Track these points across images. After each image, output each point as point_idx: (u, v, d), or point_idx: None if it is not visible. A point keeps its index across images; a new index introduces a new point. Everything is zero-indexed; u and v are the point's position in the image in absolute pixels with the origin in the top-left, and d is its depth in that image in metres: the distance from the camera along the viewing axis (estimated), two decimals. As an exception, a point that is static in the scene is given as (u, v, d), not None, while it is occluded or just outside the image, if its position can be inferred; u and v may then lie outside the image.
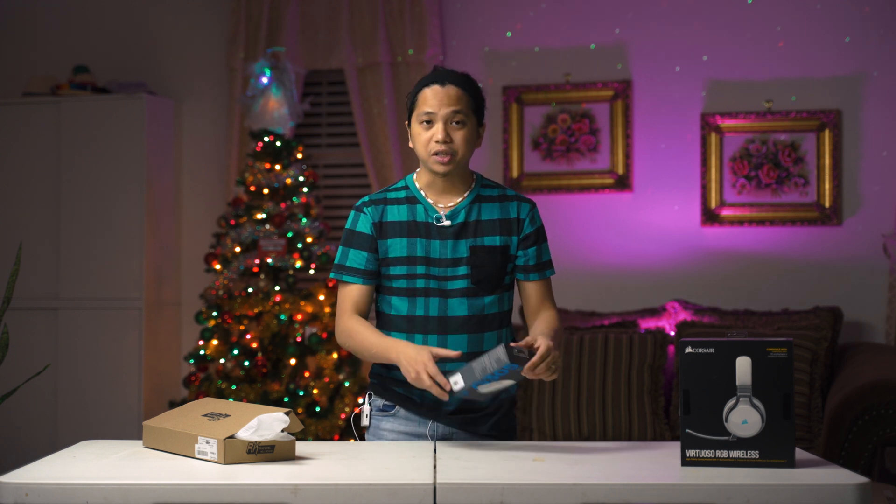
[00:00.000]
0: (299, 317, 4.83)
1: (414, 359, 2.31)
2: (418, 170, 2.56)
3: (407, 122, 2.53)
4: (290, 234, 4.90)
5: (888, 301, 4.73)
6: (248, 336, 4.84)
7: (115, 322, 5.26)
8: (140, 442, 2.37)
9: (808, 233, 4.93)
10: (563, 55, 5.16)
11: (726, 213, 4.98)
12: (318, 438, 4.68)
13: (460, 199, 2.51)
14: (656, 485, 1.97)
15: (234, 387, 4.79)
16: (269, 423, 2.17)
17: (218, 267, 4.95)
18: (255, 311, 4.86)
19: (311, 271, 4.94)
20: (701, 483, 1.98)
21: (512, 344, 2.30)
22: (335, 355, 4.86)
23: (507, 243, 2.50)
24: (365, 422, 2.57)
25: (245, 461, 2.13)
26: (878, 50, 4.89)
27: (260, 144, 4.99)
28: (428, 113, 2.45)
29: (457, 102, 2.45)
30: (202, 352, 4.89)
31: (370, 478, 2.00)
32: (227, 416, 2.23)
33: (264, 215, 4.94)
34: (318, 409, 4.76)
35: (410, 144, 2.52)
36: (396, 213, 2.50)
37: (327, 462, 2.18)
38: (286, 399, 4.74)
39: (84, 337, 5.28)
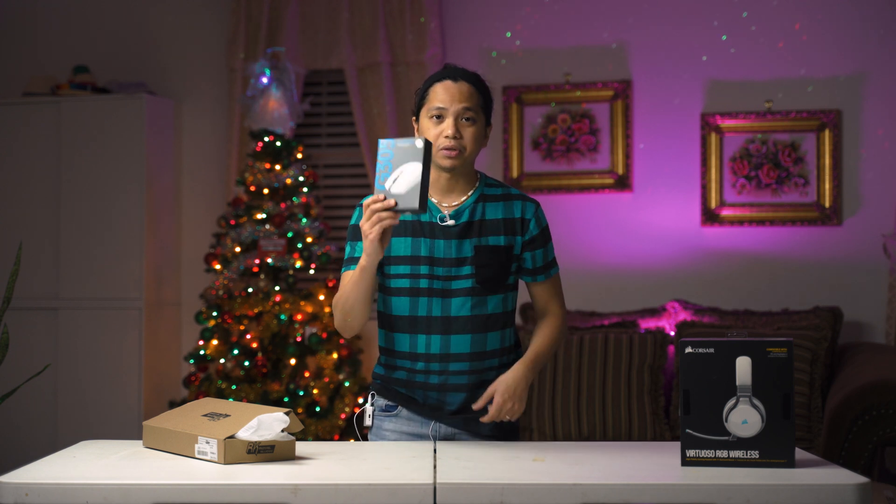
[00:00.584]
0: (299, 317, 4.83)
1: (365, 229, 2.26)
2: None
3: (414, 118, 2.53)
4: (290, 234, 4.90)
5: (888, 301, 4.72)
6: (248, 336, 4.84)
7: (115, 322, 5.26)
8: (140, 442, 2.37)
9: (808, 233, 4.93)
10: (563, 55, 5.16)
11: (726, 213, 4.98)
12: (318, 438, 4.68)
13: (464, 198, 2.50)
14: (656, 485, 1.97)
15: (234, 387, 4.79)
16: (269, 423, 2.17)
17: (218, 267, 4.95)
18: (255, 311, 4.86)
19: (311, 271, 4.93)
20: (701, 483, 1.98)
21: (474, 406, 2.43)
22: (335, 355, 4.85)
23: (511, 243, 2.49)
24: (368, 422, 2.57)
25: (245, 461, 2.13)
26: (878, 50, 4.88)
27: (260, 144, 5.00)
28: (439, 108, 2.45)
29: (468, 99, 2.45)
30: (202, 352, 4.89)
31: (370, 478, 2.00)
32: (227, 416, 2.23)
33: (264, 215, 4.94)
34: (318, 409, 4.76)
35: None
36: None
37: (327, 462, 2.18)
38: (286, 399, 4.74)
39: (84, 337, 5.28)
